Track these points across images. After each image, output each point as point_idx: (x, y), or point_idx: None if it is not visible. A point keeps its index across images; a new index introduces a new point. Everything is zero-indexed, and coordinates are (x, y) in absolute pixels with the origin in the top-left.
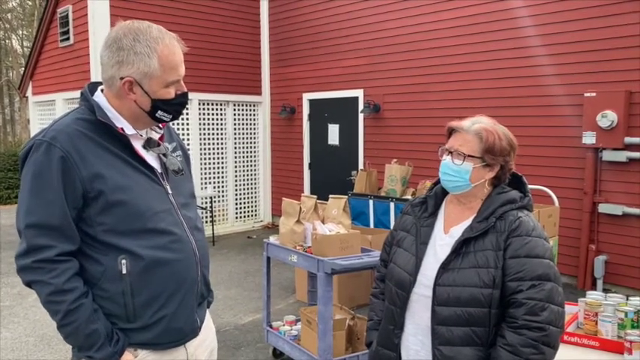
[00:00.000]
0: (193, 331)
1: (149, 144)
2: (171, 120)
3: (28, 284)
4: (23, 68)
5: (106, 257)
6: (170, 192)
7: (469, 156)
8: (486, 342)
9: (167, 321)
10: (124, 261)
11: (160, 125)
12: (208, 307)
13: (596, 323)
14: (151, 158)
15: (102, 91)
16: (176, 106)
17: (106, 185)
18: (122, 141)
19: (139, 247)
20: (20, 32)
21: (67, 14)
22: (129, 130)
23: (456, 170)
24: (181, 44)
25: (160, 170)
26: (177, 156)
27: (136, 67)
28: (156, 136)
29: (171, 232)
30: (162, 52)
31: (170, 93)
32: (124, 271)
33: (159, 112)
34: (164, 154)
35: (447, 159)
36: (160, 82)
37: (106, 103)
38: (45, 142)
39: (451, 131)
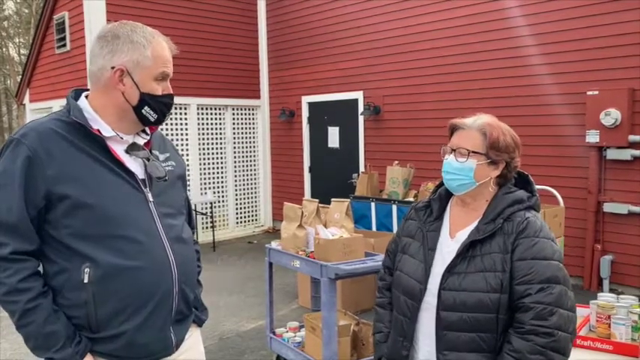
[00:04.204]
0: (165, 349)
1: (132, 148)
2: (156, 122)
3: None
4: (20, 76)
5: (70, 264)
6: (151, 199)
7: (473, 152)
8: (493, 348)
9: (130, 335)
10: (87, 269)
11: (148, 131)
12: (200, 325)
13: (609, 326)
14: (134, 164)
15: (86, 97)
16: (162, 105)
17: (74, 186)
18: (98, 142)
19: (101, 254)
20: (17, 40)
21: (64, 21)
22: (106, 132)
23: (459, 168)
24: (172, 46)
25: (141, 176)
26: (167, 166)
27: (130, 56)
28: (141, 141)
29: (140, 240)
30: (156, 46)
31: (158, 89)
32: (86, 280)
33: (145, 107)
34: (147, 159)
35: (449, 158)
36: (150, 74)
37: (87, 105)
38: (15, 140)
39: (453, 129)
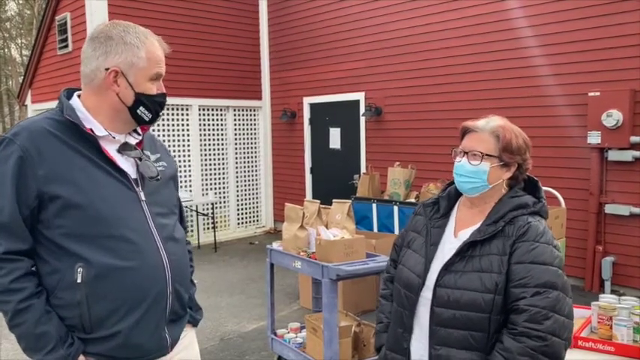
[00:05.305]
0: (160, 350)
1: (124, 148)
2: (150, 121)
3: None
4: (22, 77)
5: (63, 264)
6: (144, 199)
7: (486, 155)
8: (484, 347)
9: (124, 335)
10: (80, 269)
11: (140, 131)
12: (195, 325)
13: (611, 327)
14: (126, 163)
15: (79, 97)
16: (156, 105)
17: (66, 186)
18: (91, 142)
19: (93, 254)
20: (19, 41)
21: (66, 22)
22: (99, 131)
23: (473, 171)
24: (164, 46)
25: (134, 176)
26: (159, 166)
27: (124, 57)
28: (133, 141)
29: (132, 240)
30: (149, 47)
31: (152, 89)
32: (79, 280)
33: (140, 107)
34: (139, 159)
35: (462, 160)
36: (145, 75)
37: (80, 105)
38: (7, 139)
39: (465, 132)
